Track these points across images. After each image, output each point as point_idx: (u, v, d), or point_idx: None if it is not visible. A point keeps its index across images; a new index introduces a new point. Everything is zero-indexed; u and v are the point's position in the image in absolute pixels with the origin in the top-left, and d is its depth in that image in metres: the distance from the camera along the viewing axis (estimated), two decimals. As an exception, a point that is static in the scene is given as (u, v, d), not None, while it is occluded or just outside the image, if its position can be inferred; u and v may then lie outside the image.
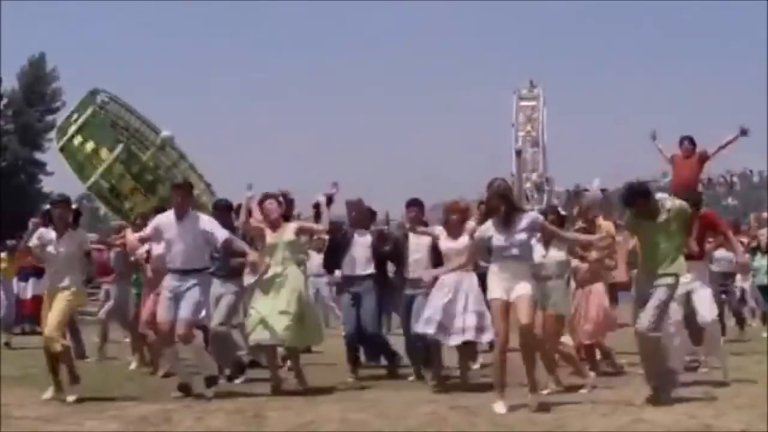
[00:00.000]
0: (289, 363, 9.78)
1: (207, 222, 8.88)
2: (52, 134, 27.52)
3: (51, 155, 43.71)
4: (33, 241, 8.71)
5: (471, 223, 9.23)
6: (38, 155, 53.93)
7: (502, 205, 7.94)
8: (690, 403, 7.91)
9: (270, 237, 9.20)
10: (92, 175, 19.43)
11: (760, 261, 16.81)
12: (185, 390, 8.60)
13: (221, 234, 8.76)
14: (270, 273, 9.05)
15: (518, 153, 20.67)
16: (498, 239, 7.92)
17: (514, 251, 7.85)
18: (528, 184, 37.67)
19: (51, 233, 8.66)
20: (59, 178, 53.69)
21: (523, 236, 7.92)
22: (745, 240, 16.53)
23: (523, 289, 7.78)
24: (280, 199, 9.49)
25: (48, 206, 9.36)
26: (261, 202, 9.40)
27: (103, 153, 19.55)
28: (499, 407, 7.58)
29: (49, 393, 8.47)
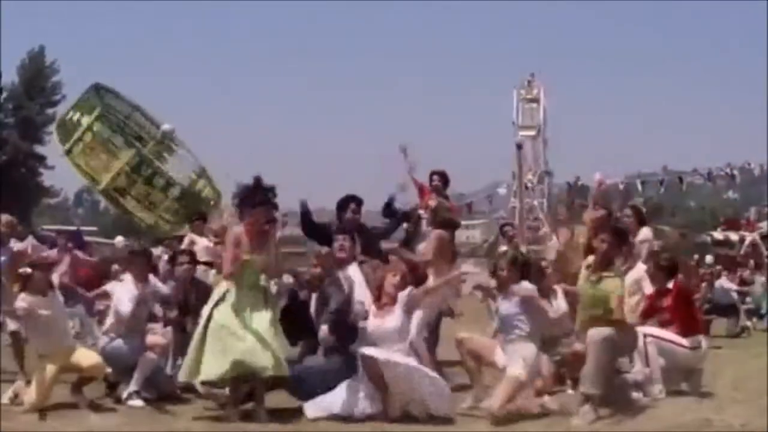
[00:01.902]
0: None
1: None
2: (52, 127, 27.35)
3: (51, 149, 43.66)
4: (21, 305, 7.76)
5: (405, 294, 7.52)
6: (38, 148, 53.98)
7: (505, 270, 7.53)
8: (690, 398, 7.93)
9: (247, 246, 7.29)
10: (101, 179, 19.21)
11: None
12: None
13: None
14: (235, 296, 7.29)
15: (519, 147, 20.64)
16: (500, 306, 7.61)
17: (497, 323, 7.61)
18: (529, 176, 37.77)
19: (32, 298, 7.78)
20: (59, 172, 53.78)
21: (510, 309, 7.38)
22: (746, 234, 16.75)
23: (509, 370, 7.17)
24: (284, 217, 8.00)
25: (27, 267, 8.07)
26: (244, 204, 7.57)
27: (113, 156, 19.36)
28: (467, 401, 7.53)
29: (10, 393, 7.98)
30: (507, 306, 7.38)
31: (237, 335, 7.10)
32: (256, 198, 7.44)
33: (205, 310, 7.40)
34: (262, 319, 7.23)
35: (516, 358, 7.16)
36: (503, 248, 12.21)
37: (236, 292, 7.27)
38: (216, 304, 7.32)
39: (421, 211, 10.14)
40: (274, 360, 7.09)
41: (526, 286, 7.43)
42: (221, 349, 7.10)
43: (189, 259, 9.30)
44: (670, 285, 8.49)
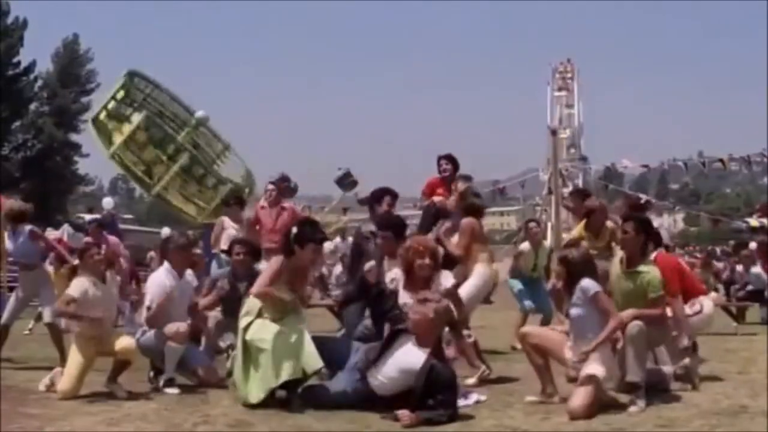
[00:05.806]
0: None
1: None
2: (87, 116, 27.64)
3: (86, 137, 44.09)
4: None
5: (447, 280, 7.67)
6: (73, 137, 54.37)
7: (563, 271, 7.26)
8: (726, 384, 7.92)
9: (286, 281, 7.40)
10: (114, 141, 19.42)
11: None
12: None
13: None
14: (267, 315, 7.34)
15: (553, 132, 20.56)
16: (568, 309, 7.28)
17: (568, 327, 7.25)
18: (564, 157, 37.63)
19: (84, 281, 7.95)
20: (94, 160, 54.27)
21: (576, 311, 7.08)
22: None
23: (587, 369, 6.85)
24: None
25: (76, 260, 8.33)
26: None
27: (128, 125, 19.59)
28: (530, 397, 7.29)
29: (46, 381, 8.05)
30: (574, 306, 7.10)
31: (274, 355, 7.04)
32: (309, 236, 7.40)
33: (241, 323, 7.37)
34: (294, 331, 7.17)
35: (593, 357, 6.88)
36: (525, 245, 12.01)
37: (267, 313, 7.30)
38: (248, 323, 7.31)
39: (438, 198, 9.92)
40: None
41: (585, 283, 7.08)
42: (263, 372, 7.09)
43: (246, 250, 9.21)
44: None
